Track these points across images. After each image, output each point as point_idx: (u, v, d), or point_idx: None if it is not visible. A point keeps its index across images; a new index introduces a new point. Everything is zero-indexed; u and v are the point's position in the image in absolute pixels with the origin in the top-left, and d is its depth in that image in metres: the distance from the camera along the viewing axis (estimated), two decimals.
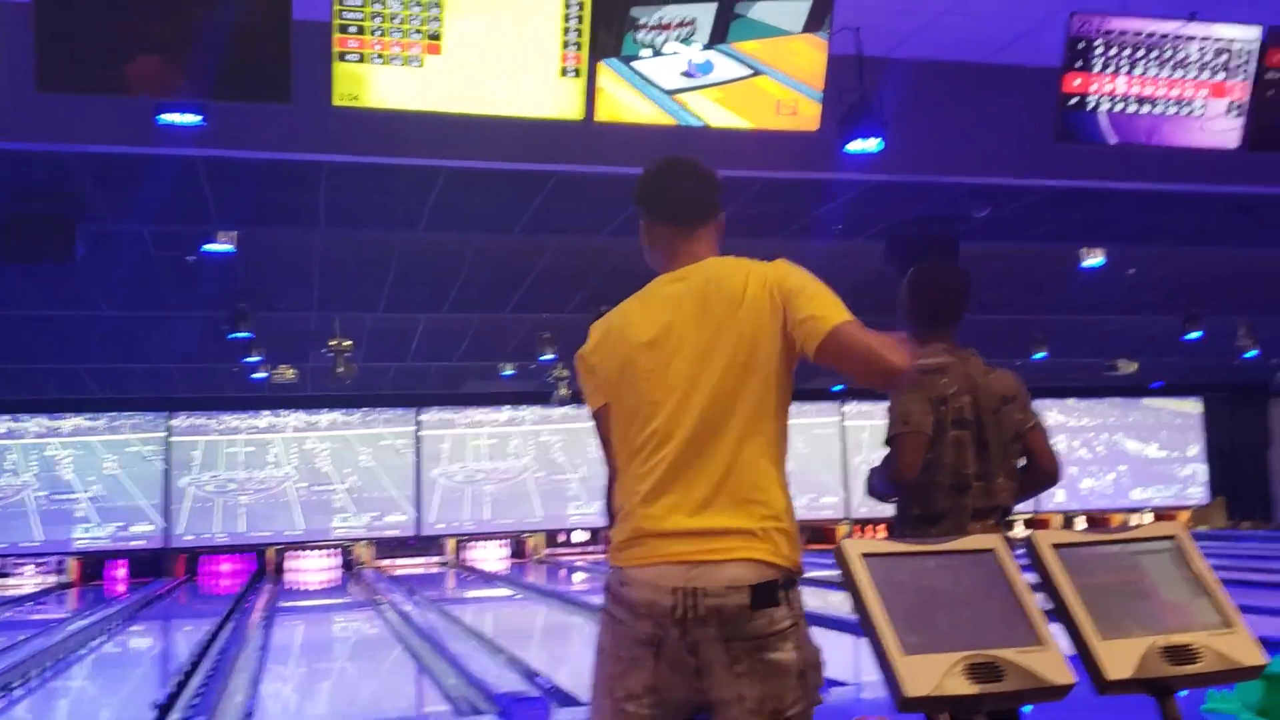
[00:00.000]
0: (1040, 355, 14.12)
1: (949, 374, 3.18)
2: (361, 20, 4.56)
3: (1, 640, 9.51)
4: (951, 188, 7.37)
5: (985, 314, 11.78)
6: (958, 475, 3.14)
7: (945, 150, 6.44)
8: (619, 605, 2.05)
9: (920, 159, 6.42)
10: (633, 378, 2.11)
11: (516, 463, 18.26)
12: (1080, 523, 19.47)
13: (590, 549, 18.13)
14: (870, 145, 5.81)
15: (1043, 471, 3.33)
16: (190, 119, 4.95)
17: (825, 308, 2.16)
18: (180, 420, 17.18)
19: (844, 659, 7.26)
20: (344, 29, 4.56)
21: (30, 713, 6.75)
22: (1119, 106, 5.52)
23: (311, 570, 17.18)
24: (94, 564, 16.84)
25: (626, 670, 2.02)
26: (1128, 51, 5.45)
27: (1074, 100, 5.47)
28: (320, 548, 17.46)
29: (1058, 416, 19.45)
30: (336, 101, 4.58)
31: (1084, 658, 1.99)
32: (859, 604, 1.94)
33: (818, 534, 19.10)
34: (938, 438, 3.13)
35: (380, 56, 4.62)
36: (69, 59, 4.42)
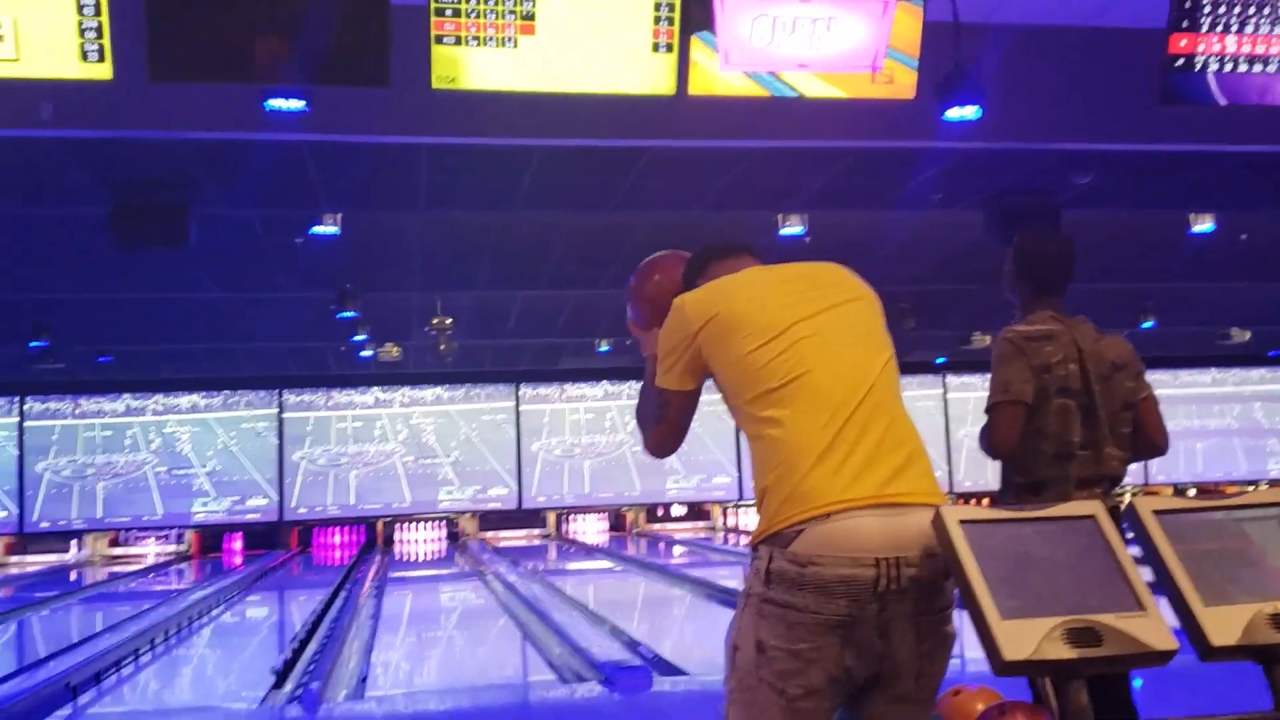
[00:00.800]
0: (1149, 324, 13.75)
1: (1054, 341, 3.16)
2: (457, 3, 4.64)
3: (127, 609, 9.97)
4: (1052, 154, 7.22)
5: (1090, 283, 11.51)
6: (1061, 443, 3.12)
7: (1045, 116, 6.30)
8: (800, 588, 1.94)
9: (1019, 126, 6.30)
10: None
11: (614, 437, 18.43)
12: (1191, 494, 18.95)
13: (687, 523, 18.26)
14: (968, 113, 5.72)
15: (1149, 442, 3.32)
16: (295, 104, 5.10)
17: None
18: (291, 397, 17.71)
19: None
20: (440, 12, 4.66)
21: (156, 678, 7.08)
22: (1228, 66, 5.35)
23: (419, 541, 17.63)
24: (212, 536, 17.50)
25: (806, 666, 1.93)
26: (1237, 9, 5.27)
27: (1180, 61, 5.31)
28: (427, 520, 17.89)
29: (1169, 386, 18.92)
30: (435, 85, 4.68)
31: (1187, 624, 1.98)
32: (957, 571, 1.95)
33: None
34: (1040, 406, 3.11)
35: (476, 38, 4.70)
36: (179, 50, 4.59)
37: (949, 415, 18.81)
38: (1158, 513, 2.10)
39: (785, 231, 8.76)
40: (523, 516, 18.25)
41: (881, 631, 1.94)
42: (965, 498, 18.42)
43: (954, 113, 5.74)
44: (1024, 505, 2.99)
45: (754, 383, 2.07)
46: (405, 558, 16.08)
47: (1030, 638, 1.84)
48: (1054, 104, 6.31)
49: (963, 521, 2.00)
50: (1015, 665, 1.83)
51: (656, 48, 4.90)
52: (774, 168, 7.50)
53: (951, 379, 18.80)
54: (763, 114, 5.88)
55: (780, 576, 1.93)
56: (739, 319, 2.11)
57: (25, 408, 17.04)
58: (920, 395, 18.63)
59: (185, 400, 17.49)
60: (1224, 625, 1.96)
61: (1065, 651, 1.84)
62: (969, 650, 5.92)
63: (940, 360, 18.07)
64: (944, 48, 5.58)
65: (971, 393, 18.38)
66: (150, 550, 17.32)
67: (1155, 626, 1.88)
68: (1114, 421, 3.19)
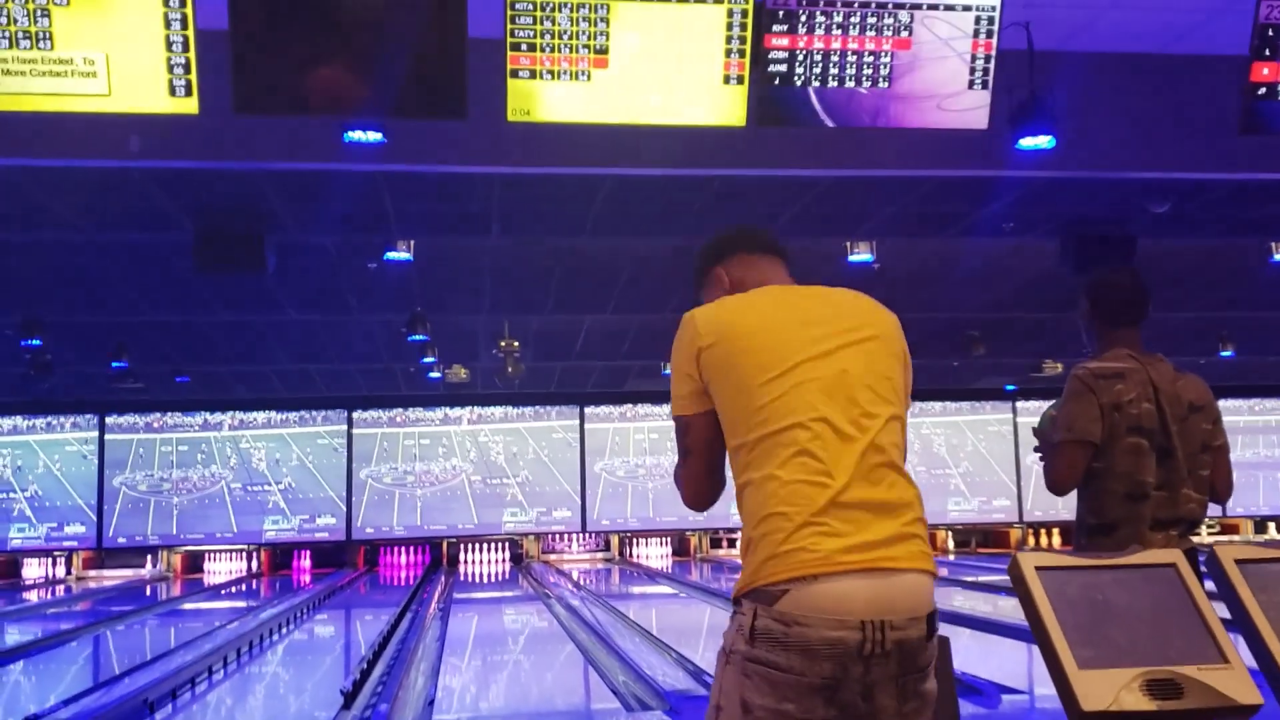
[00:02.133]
0: (1227, 354, 13.46)
1: (1127, 379, 3.12)
2: (533, 38, 4.72)
3: (200, 625, 10.16)
4: (1128, 183, 7.12)
5: (1167, 311, 11.30)
6: (1132, 483, 3.08)
7: (1121, 145, 6.23)
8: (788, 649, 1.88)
9: (1094, 155, 6.23)
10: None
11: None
12: (1272, 529, 18.45)
13: None
14: (1042, 142, 5.68)
15: (1215, 493, 3.25)
16: (373, 136, 5.22)
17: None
18: (361, 416, 17.96)
19: (1018, 667, 7.11)
20: (516, 46, 4.74)
21: (230, 695, 7.20)
22: None
23: (484, 563, 17.75)
24: (282, 554, 17.80)
25: None
26: None
27: (1263, 90, 5.23)
28: (492, 541, 18.01)
29: (1248, 416, 18.47)
30: (511, 118, 4.76)
31: (1271, 677, 1.95)
32: (1033, 618, 1.94)
33: (990, 537, 18.66)
34: (1110, 445, 3.08)
35: (550, 72, 4.77)
36: (262, 84, 4.72)
37: (1019, 442, 18.53)
38: (1240, 562, 2.07)
39: (854, 258, 8.74)
40: (587, 539, 18.32)
41: (866, 694, 1.86)
42: (1034, 527, 18.13)
43: (1028, 142, 5.71)
44: (1099, 548, 3.00)
45: (750, 424, 1.96)
46: (470, 579, 16.20)
47: (1109, 688, 1.82)
48: (1131, 132, 6.24)
49: (1039, 568, 1.99)
50: (1093, 716, 1.81)
51: (728, 80, 4.94)
52: (843, 196, 7.49)
53: (1022, 405, 18.53)
54: (832, 143, 5.89)
55: (765, 635, 1.86)
56: (745, 347, 1.99)
57: (106, 424, 17.48)
58: (991, 420, 18.40)
59: (261, 416, 17.82)
60: None
61: (1145, 703, 1.82)
62: (1039, 687, 5.78)
63: (1010, 387, 17.84)
64: (1018, 76, 5.55)
65: None
66: (224, 567, 17.64)
67: (1239, 679, 1.85)
68: (1192, 463, 3.14)
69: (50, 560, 17.49)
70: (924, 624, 1.89)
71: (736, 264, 2.24)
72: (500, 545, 18.06)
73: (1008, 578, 2.06)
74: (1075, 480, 3.11)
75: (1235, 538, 18.27)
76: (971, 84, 5.12)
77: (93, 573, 17.39)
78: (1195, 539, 3.18)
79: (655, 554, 18.24)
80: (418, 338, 11.12)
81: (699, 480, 2.10)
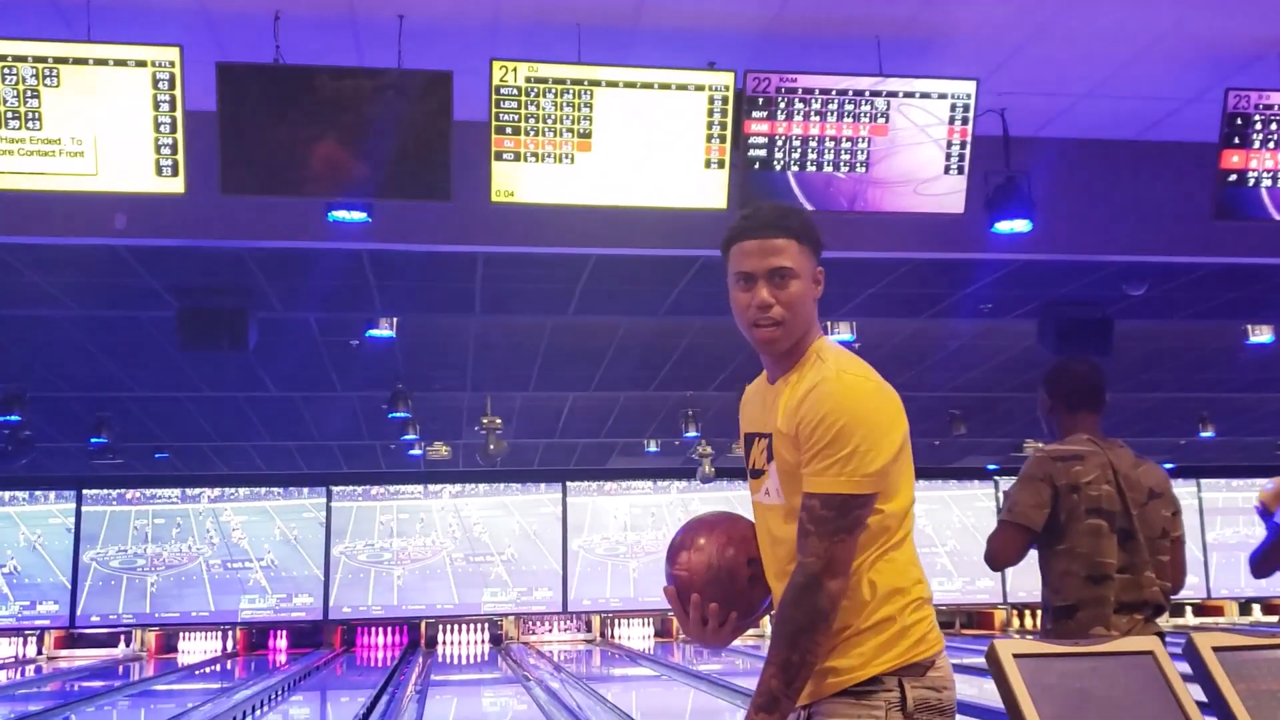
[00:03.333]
0: (1208, 434, 13.54)
1: (1085, 461, 3.16)
2: (517, 121, 4.79)
3: (173, 708, 9.95)
4: (1104, 266, 7.22)
5: (1146, 392, 11.39)
6: (1093, 565, 3.10)
7: (1097, 229, 6.33)
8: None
9: (1071, 238, 6.33)
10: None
11: (659, 535, 18.32)
12: (1256, 611, 18.39)
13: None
14: (1018, 226, 5.77)
15: (1170, 582, 3.26)
16: (357, 216, 5.26)
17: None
18: (340, 493, 17.81)
19: None
20: (501, 130, 4.80)
21: None
22: None
23: (463, 644, 17.50)
24: (258, 634, 17.52)
25: None
26: None
27: (1233, 177, 5.33)
28: (471, 622, 17.77)
29: (1228, 495, 18.51)
30: (494, 199, 4.81)
31: None
32: (1011, 707, 1.93)
33: (974, 618, 18.53)
34: (1070, 526, 3.11)
35: (534, 155, 4.84)
36: (250, 165, 4.77)
37: None
38: (1218, 650, 2.07)
39: (835, 338, 8.79)
40: (566, 619, 18.12)
41: None
42: (1019, 608, 18.06)
43: (1004, 226, 5.79)
44: (1065, 635, 3.02)
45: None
46: (448, 660, 15.95)
47: None
48: (1106, 216, 6.34)
49: (1016, 656, 1.98)
50: None
51: (709, 164, 5.01)
52: (825, 273, 7.56)
53: (1006, 484, 18.56)
54: None
55: (923, 705, 1.91)
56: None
57: (84, 505, 17.26)
58: (974, 497, 18.38)
59: (242, 490, 17.65)
60: None
61: None
62: None
63: (992, 467, 17.88)
64: (994, 161, 5.66)
65: None
66: (198, 647, 17.33)
67: None
68: (1154, 548, 3.16)
69: (21, 640, 17.16)
70: None
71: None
72: (480, 626, 17.83)
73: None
74: (1008, 561, 3.20)
75: (1220, 619, 18.20)
76: (948, 169, 5.22)
77: (64, 653, 17.06)
78: (1160, 622, 3.20)
79: (637, 634, 18.03)
80: (399, 414, 11.10)
81: None
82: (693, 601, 2.00)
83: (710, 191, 5.03)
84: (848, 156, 5.07)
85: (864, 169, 5.11)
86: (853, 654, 1.86)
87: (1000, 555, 3.20)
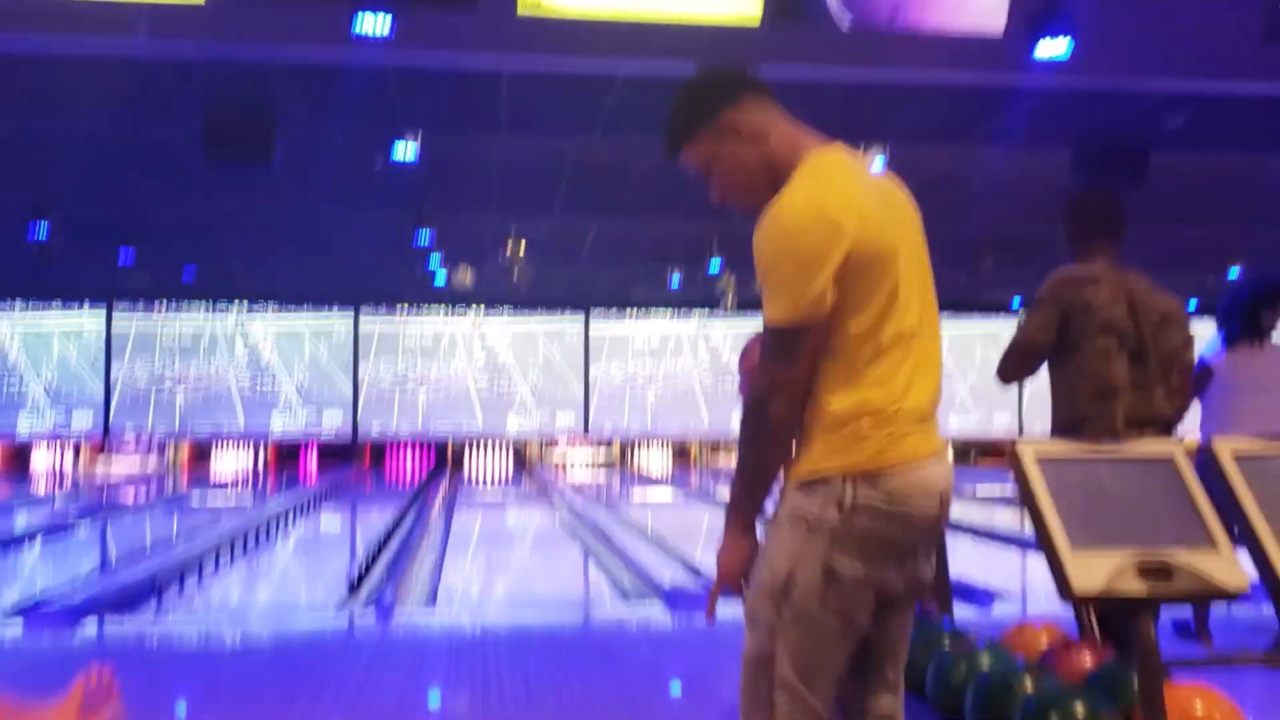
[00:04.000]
0: (1237, 271, 13.41)
1: (1099, 284, 3.25)
2: None
3: (206, 518, 10.32)
4: (1143, 95, 7.03)
5: (1176, 225, 11.24)
6: (1100, 380, 3.21)
7: (1139, 53, 6.14)
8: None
9: (1111, 63, 6.15)
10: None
11: (681, 367, 18.53)
12: None
13: None
14: (1059, 46, 5.61)
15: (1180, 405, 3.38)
16: (382, 24, 5.14)
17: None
18: (367, 314, 18.03)
19: (1011, 575, 7.24)
20: None
21: (238, 583, 7.34)
22: None
23: (488, 465, 18.00)
24: (289, 450, 18.04)
25: (870, 592, 1.96)
26: None
27: None
28: (496, 443, 18.22)
29: None
30: (521, 10, 4.70)
31: (1257, 561, 1.99)
32: (1030, 504, 1.98)
33: (988, 449, 18.81)
34: (1080, 345, 3.22)
35: None
36: None
37: None
38: (1239, 457, 2.11)
39: None
40: (588, 442, 18.54)
41: (925, 555, 1.98)
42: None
43: (1045, 46, 5.63)
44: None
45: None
46: (474, 480, 16.41)
47: (1101, 570, 1.87)
48: (1150, 39, 6.14)
49: (1039, 458, 2.02)
50: (1085, 596, 1.86)
51: None
52: (859, 101, 7.40)
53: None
54: (847, 44, 5.81)
55: (866, 509, 1.90)
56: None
57: (114, 319, 17.54)
58: (998, 332, 18.41)
59: (270, 309, 17.85)
60: None
61: (1136, 585, 1.86)
62: (1033, 588, 5.94)
63: (1017, 302, 17.84)
64: None
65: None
66: (230, 463, 17.88)
67: (1227, 563, 1.90)
68: (1165, 367, 3.26)
69: (59, 450, 17.72)
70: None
71: (752, 110, 1.98)
72: (505, 447, 18.30)
73: (1005, 489, 2.10)
74: (1010, 376, 3.36)
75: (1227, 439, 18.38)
76: None
77: (100, 463, 17.64)
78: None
79: (656, 460, 18.45)
80: (424, 238, 11.10)
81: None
82: None
83: (744, 3, 4.89)
84: None
85: None
86: (806, 456, 1.95)
87: (1003, 371, 3.36)
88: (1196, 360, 3.96)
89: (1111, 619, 3.11)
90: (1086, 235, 3.42)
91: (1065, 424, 3.27)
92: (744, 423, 1.96)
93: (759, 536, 2.01)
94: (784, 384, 1.89)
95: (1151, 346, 3.24)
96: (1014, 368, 3.32)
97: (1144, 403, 3.20)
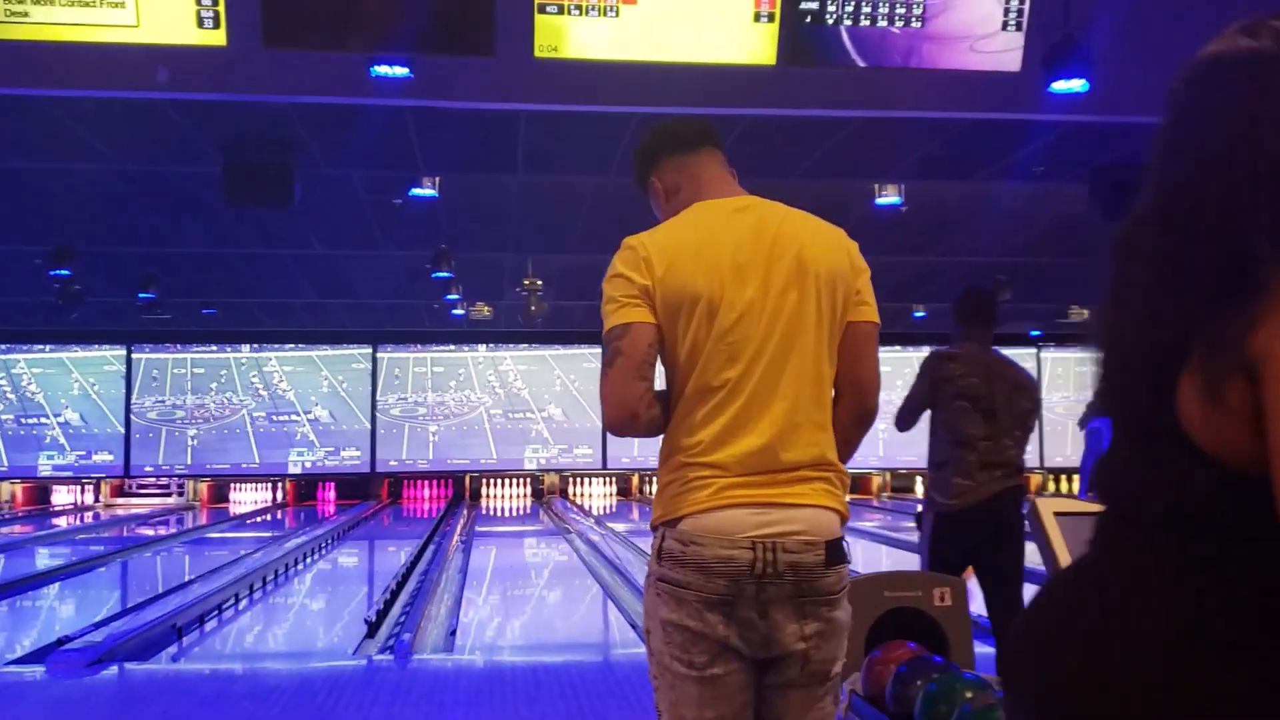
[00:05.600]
0: None
1: (960, 362, 4.17)
2: None
3: (225, 555, 10.34)
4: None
5: None
6: (955, 432, 4.12)
7: (1155, 88, 6.12)
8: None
9: (1128, 98, 6.14)
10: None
11: None
12: None
13: None
14: (1075, 85, 5.60)
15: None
16: (399, 72, 5.20)
17: None
18: (385, 352, 18.11)
19: None
20: None
21: (256, 621, 7.35)
22: None
23: (506, 497, 17.99)
24: (307, 485, 18.08)
25: (697, 639, 1.95)
26: None
27: None
28: (514, 476, 18.23)
29: None
30: (538, 54, 4.74)
31: None
32: (1050, 562, 1.97)
33: None
34: (943, 406, 4.13)
35: (578, 8, 4.73)
36: (291, 18, 4.71)
37: (1043, 388, 18.49)
38: (1058, 515, 2.10)
39: (881, 201, 8.68)
40: (605, 475, 18.53)
41: (762, 611, 1.91)
42: (1054, 473, 18.14)
43: (1061, 85, 5.63)
44: (941, 487, 4.15)
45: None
46: (492, 512, 16.39)
47: None
48: (1166, 75, 6.12)
49: (1057, 514, 2.01)
50: None
51: (758, 18, 4.89)
52: (872, 138, 7.41)
53: (1046, 354, 18.48)
54: (863, 85, 5.82)
55: (668, 555, 1.94)
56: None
57: (133, 355, 17.68)
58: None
59: (285, 351, 17.98)
60: None
61: None
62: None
63: (1036, 333, 17.78)
64: (1053, 17, 5.47)
65: (1066, 366, 18.12)
66: (249, 498, 17.92)
67: None
68: (1014, 424, 4.17)
69: (80, 488, 17.80)
70: (821, 549, 1.93)
71: (667, 170, 2.17)
72: (522, 480, 18.30)
73: (1027, 524, 2.09)
74: (904, 428, 4.28)
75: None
76: (1005, 25, 5.06)
77: (120, 500, 17.70)
78: (1020, 480, 4.24)
79: None
80: (442, 274, 11.15)
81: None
82: None
83: (759, 46, 4.92)
84: (903, 10, 4.93)
85: (919, 24, 4.97)
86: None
87: (898, 422, 4.26)
88: None
89: None
90: (964, 322, 4.31)
91: (935, 463, 4.22)
92: None
93: None
94: (606, 391, 2.00)
95: (1003, 408, 4.12)
96: (903, 421, 4.25)
97: (995, 451, 4.10)
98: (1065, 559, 1.96)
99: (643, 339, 1.97)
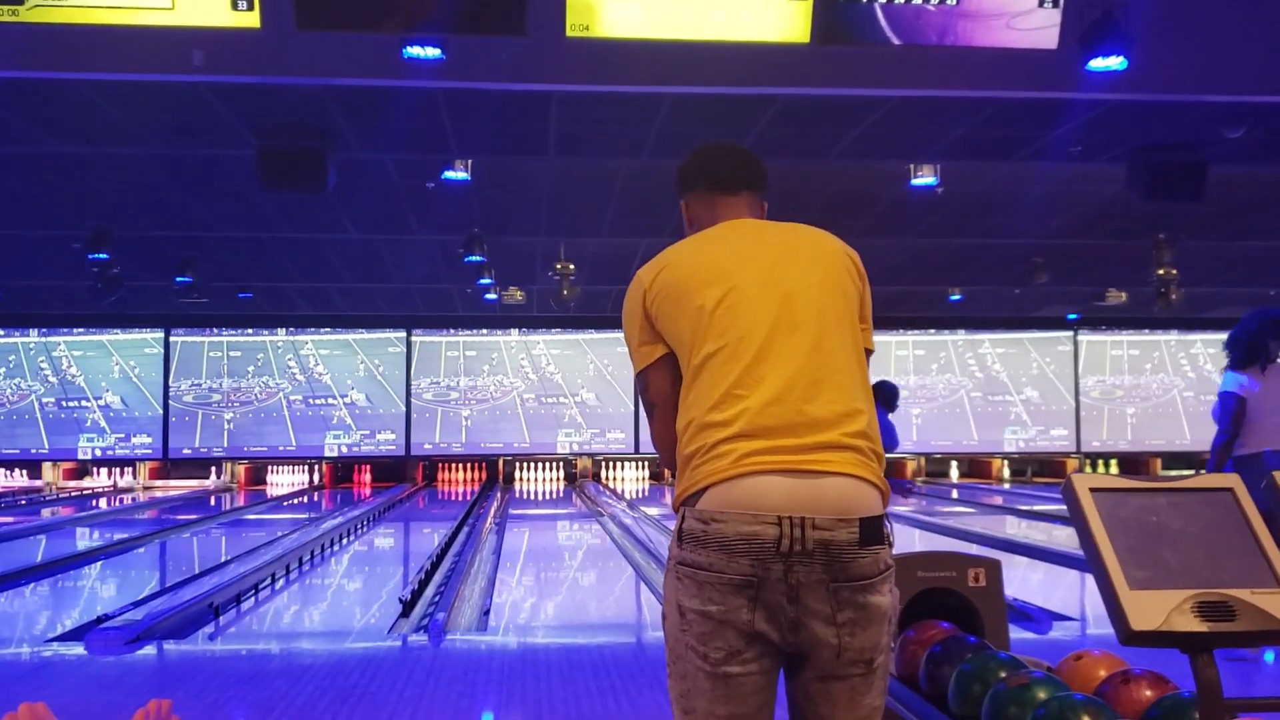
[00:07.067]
0: None
1: None
2: None
3: (262, 536, 10.45)
4: (1201, 107, 6.92)
5: (1239, 240, 11.04)
6: None
7: (1195, 67, 6.04)
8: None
9: (1167, 77, 6.05)
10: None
11: None
12: None
13: None
14: (1113, 63, 5.53)
15: None
16: (431, 52, 5.20)
17: None
18: (419, 336, 18.23)
19: (1070, 595, 7.12)
20: None
21: (292, 601, 7.42)
22: None
23: (539, 481, 18.10)
24: (343, 468, 18.27)
25: (719, 628, 1.88)
26: None
27: None
28: (547, 460, 18.33)
29: None
30: (570, 33, 4.72)
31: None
32: (1086, 538, 1.94)
33: (1046, 467, 18.54)
34: None
35: None
36: (324, 0, 4.72)
37: (1079, 372, 18.30)
38: (1094, 490, 2.02)
39: (917, 182, 8.61)
40: (636, 459, 18.59)
41: (792, 596, 1.80)
42: (1092, 457, 17.98)
43: (1098, 63, 5.56)
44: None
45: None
46: (525, 496, 16.48)
47: (1160, 609, 1.82)
48: (1206, 53, 6.03)
49: (1093, 490, 1.98)
50: (1143, 636, 1.82)
51: None
52: (908, 118, 7.36)
53: (1083, 337, 18.29)
54: (898, 62, 5.77)
55: (689, 537, 1.86)
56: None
57: (171, 338, 17.90)
58: (1054, 344, 18.16)
59: (321, 334, 18.15)
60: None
61: (1196, 624, 1.82)
62: (1091, 614, 5.83)
63: (1073, 316, 17.59)
64: None
65: (1101, 349, 17.96)
66: (286, 480, 18.14)
67: None
68: None
69: (119, 470, 18.06)
70: (855, 527, 1.82)
71: (698, 202, 2.19)
72: (555, 464, 18.40)
73: (1063, 507, 2.06)
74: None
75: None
76: (1042, 2, 4.99)
77: (159, 482, 17.94)
78: None
79: None
80: (474, 258, 11.18)
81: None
82: None
83: (792, 24, 4.88)
84: None
85: (955, 1, 4.91)
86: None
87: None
88: (1222, 395, 4.78)
89: None
90: None
91: None
92: None
93: None
94: (650, 421, 2.06)
95: None
96: None
97: None
98: (1102, 537, 1.93)
99: (663, 381, 2.02)
